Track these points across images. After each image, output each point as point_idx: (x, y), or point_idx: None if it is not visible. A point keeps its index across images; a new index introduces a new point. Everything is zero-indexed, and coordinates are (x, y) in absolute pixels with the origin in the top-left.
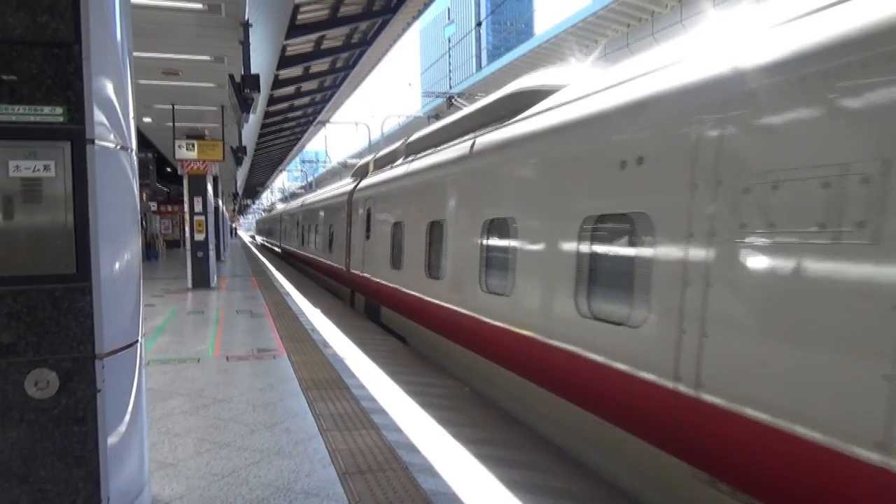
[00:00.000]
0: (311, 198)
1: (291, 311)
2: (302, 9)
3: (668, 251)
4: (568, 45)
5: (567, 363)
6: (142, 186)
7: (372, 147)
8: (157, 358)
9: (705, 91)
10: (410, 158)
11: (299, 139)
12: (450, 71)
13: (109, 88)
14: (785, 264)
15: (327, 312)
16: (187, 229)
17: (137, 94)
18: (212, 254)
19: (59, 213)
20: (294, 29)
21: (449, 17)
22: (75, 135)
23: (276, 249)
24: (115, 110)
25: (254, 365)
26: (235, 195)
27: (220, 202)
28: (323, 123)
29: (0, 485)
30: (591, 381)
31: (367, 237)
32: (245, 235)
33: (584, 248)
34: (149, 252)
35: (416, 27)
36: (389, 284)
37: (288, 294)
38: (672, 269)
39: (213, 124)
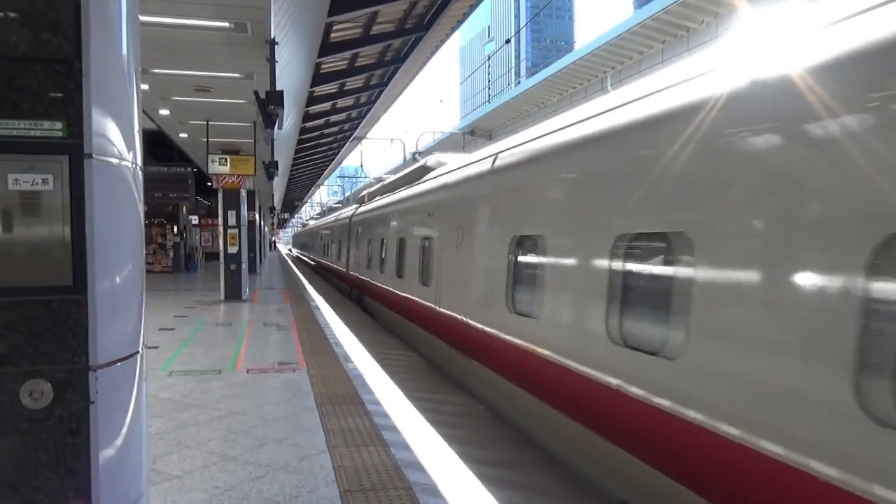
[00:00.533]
0: (328, 219)
1: (318, 325)
2: (335, 27)
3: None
4: (602, 61)
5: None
6: (181, 200)
7: (406, 162)
8: (179, 369)
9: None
10: (377, 198)
11: (336, 154)
12: (489, 83)
13: (111, 104)
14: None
15: (352, 326)
16: (221, 241)
17: (173, 110)
18: (244, 267)
19: (57, 225)
20: (327, 47)
21: (489, 36)
22: (73, 149)
23: (308, 260)
24: (116, 125)
25: (273, 378)
26: (272, 209)
27: (258, 216)
28: (359, 139)
29: None
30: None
31: (357, 247)
32: (283, 248)
33: (416, 256)
34: (188, 264)
35: (455, 45)
36: (364, 278)
37: (317, 308)
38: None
39: (247, 140)
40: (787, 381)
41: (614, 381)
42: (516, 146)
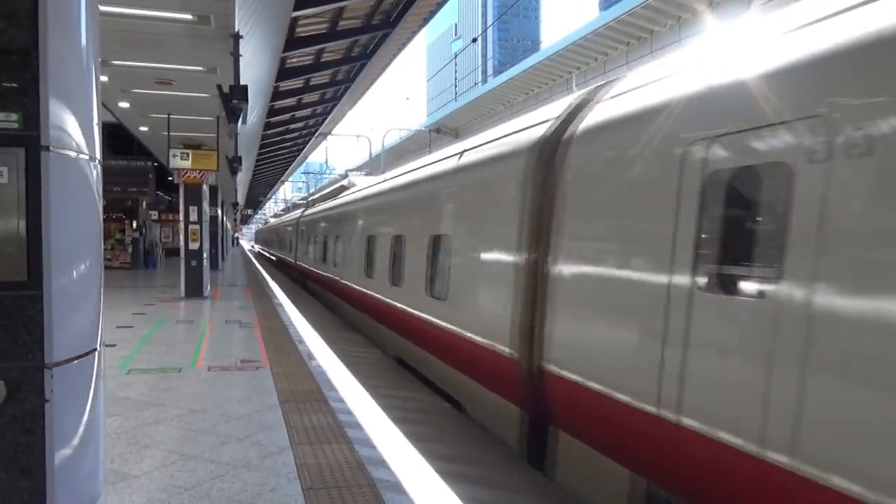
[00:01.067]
0: (282, 219)
1: (281, 322)
2: (300, 22)
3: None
4: (567, 62)
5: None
6: (140, 194)
7: (372, 159)
8: (138, 367)
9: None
10: (315, 206)
11: (301, 150)
12: (455, 82)
13: (70, 95)
14: None
15: (316, 323)
16: (181, 237)
17: (133, 102)
18: (206, 263)
19: (12, 220)
20: (293, 41)
21: (456, 33)
22: (30, 141)
23: (267, 255)
24: (75, 118)
25: (234, 376)
26: (235, 205)
27: (220, 212)
28: (324, 135)
29: None
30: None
31: (301, 243)
32: (247, 245)
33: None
34: (147, 259)
35: (423, 42)
36: (304, 266)
37: (280, 305)
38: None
39: (210, 134)
40: (479, 302)
41: (426, 317)
42: (378, 183)
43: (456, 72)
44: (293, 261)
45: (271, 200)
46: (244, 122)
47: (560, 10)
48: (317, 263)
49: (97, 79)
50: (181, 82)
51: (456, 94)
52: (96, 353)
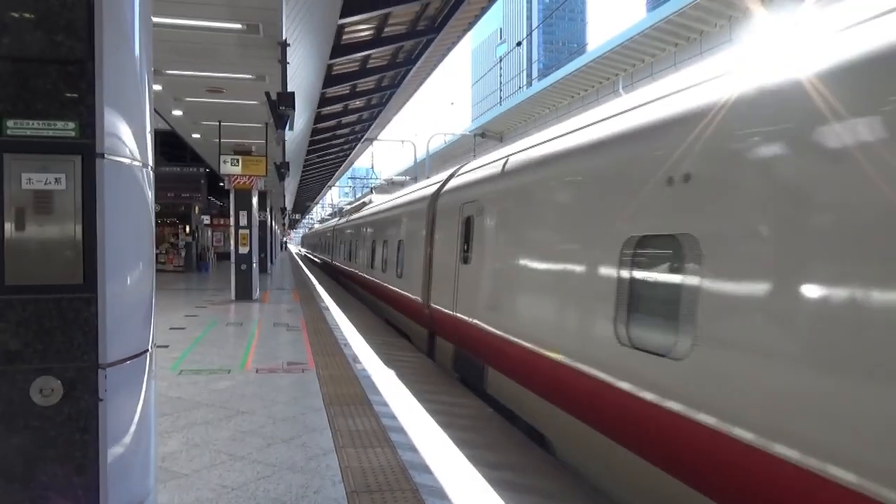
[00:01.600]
0: (323, 225)
1: (327, 326)
2: (347, 29)
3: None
4: (614, 64)
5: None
6: (193, 200)
7: (417, 165)
8: (189, 368)
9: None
10: (344, 217)
11: (347, 156)
12: (500, 85)
13: (124, 104)
14: None
15: (361, 327)
16: (232, 241)
17: (186, 110)
18: (255, 267)
19: (69, 225)
20: (339, 48)
21: (501, 38)
22: (86, 149)
23: (312, 257)
24: (129, 126)
25: (282, 378)
26: (283, 210)
27: (269, 216)
28: (370, 141)
29: (3, 488)
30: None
31: (336, 245)
32: (294, 248)
33: (357, 250)
34: (199, 263)
35: (468, 47)
36: (337, 264)
37: (327, 308)
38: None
39: (259, 140)
40: (412, 275)
41: (392, 287)
42: (374, 205)
43: (501, 76)
44: (329, 259)
45: (318, 205)
46: (291, 128)
47: (607, 12)
48: (342, 260)
49: (150, 88)
50: (231, 90)
51: (501, 97)
52: (148, 353)
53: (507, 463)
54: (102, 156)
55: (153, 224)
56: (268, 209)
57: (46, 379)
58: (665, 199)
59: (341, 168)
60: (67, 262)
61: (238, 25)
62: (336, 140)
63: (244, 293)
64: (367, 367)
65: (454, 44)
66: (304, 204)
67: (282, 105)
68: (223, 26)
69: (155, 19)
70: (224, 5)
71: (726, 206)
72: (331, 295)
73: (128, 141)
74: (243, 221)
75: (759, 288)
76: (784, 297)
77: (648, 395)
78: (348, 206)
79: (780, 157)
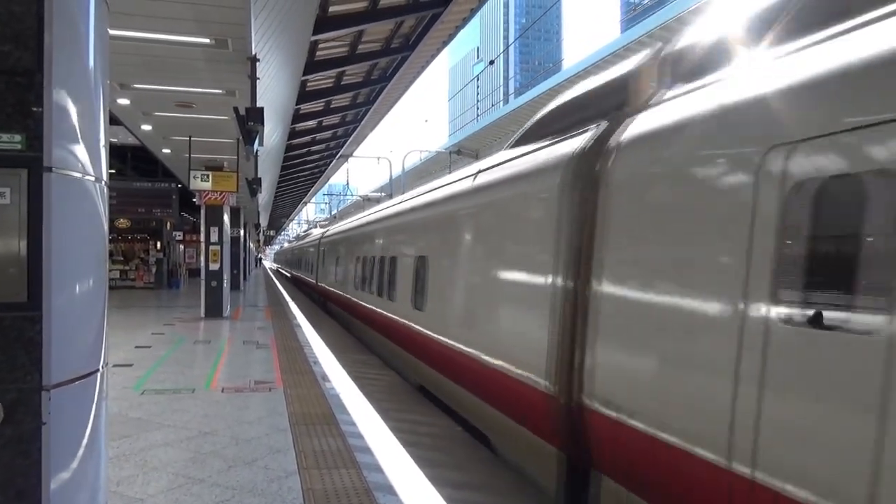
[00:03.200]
0: (302, 242)
1: (298, 343)
2: (320, 45)
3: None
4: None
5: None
6: (164, 215)
7: (393, 181)
8: (153, 388)
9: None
10: (335, 227)
11: (323, 172)
12: (477, 103)
13: (75, 117)
14: None
15: (332, 345)
16: (203, 258)
17: (156, 125)
18: (226, 284)
19: (13, 240)
20: (313, 65)
21: (478, 57)
22: (32, 162)
23: (286, 273)
24: (80, 139)
25: (247, 397)
26: (258, 226)
27: (243, 233)
28: (345, 157)
29: None
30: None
31: (295, 262)
32: (269, 265)
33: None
34: (170, 280)
35: (444, 65)
36: (297, 273)
37: (298, 325)
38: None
39: (231, 156)
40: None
41: (355, 299)
42: (339, 230)
43: (478, 94)
44: (290, 273)
45: (294, 221)
46: (261, 143)
47: (582, 32)
48: (294, 269)
49: (106, 100)
50: (201, 105)
51: (477, 115)
52: (98, 374)
53: (472, 483)
54: (50, 169)
55: (106, 240)
56: (241, 225)
57: None
58: (415, 239)
59: (317, 184)
60: (10, 280)
61: (206, 40)
62: (311, 156)
63: (215, 310)
64: (336, 386)
65: (428, 62)
66: (279, 220)
67: (250, 121)
68: (191, 40)
69: (121, 32)
70: (191, 20)
71: (440, 243)
72: (303, 311)
73: (79, 154)
74: (214, 238)
75: (447, 279)
76: (455, 281)
77: (416, 328)
78: (303, 232)
79: (469, 221)
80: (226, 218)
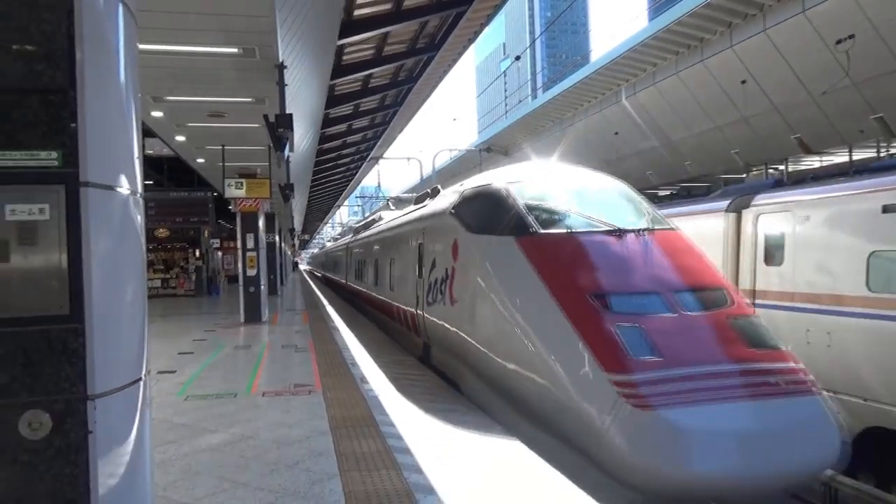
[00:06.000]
0: (332, 247)
1: (336, 346)
2: (347, 49)
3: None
4: (615, 75)
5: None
6: (202, 224)
7: (424, 181)
8: (195, 393)
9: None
10: (331, 245)
11: (354, 175)
12: (505, 99)
13: (109, 131)
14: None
15: (369, 346)
16: (240, 264)
17: (189, 136)
18: (263, 289)
19: (54, 255)
20: (340, 69)
21: (504, 53)
22: (69, 178)
23: (319, 275)
24: (114, 153)
25: (288, 401)
26: (292, 231)
27: (278, 238)
28: (376, 159)
29: None
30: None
31: (325, 264)
32: (305, 267)
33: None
34: (210, 287)
35: (471, 63)
36: (327, 274)
37: (336, 328)
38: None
39: (263, 163)
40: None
41: (356, 287)
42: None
43: (506, 90)
44: (322, 271)
45: (328, 224)
46: (291, 149)
47: (609, 23)
48: (327, 271)
49: (138, 113)
50: (232, 114)
51: (506, 110)
52: (141, 382)
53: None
54: (87, 184)
55: (143, 250)
56: (276, 230)
57: (34, 412)
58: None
59: (349, 187)
60: (53, 293)
61: (234, 50)
62: (342, 160)
63: (253, 316)
64: (375, 387)
65: (455, 60)
66: (313, 224)
67: (280, 127)
68: (219, 51)
69: (150, 46)
70: (219, 30)
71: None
72: (339, 314)
73: (113, 168)
74: (250, 244)
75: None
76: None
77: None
78: (336, 236)
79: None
80: (260, 224)
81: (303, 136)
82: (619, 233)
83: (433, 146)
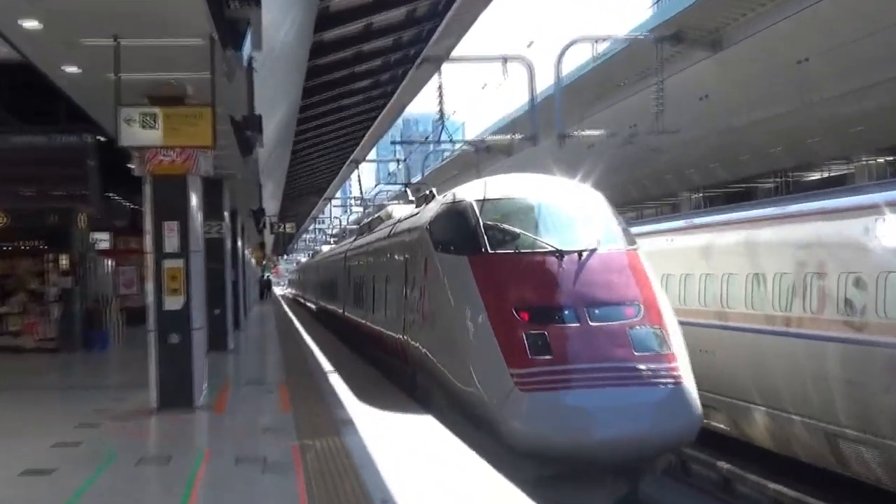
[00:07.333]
0: (324, 257)
1: (350, 460)
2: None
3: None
4: None
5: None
6: (73, 199)
7: (535, 106)
8: None
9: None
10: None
11: (389, 98)
12: None
13: None
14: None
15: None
16: (149, 285)
17: (49, 20)
18: (200, 335)
19: None
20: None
21: None
22: None
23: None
24: None
25: None
26: (258, 214)
27: (237, 230)
28: (434, 61)
29: None
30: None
31: (301, 284)
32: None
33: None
34: (89, 333)
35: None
36: (308, 297)
37: (349, 420)
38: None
39: (201, 74)
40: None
41: (347, 314)
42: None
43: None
44: (315, 299)
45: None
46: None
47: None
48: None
49: None
50: None
51: None
52: None
53: None
54: None
55: None
56: (225, 215)
57: None
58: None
59: (366, 139)
60: None
61: None
62: (358, 82)
63: (176, 394)
64: None
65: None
66: (304, 207)
67: (248, 129)
68: None
69: None
70: None
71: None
72: (352, 384)
73: None
74: (171, 244)
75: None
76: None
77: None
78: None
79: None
80: (194, 202)
81: (280, 18)
82: (559, 254)
83: (551, 35)
